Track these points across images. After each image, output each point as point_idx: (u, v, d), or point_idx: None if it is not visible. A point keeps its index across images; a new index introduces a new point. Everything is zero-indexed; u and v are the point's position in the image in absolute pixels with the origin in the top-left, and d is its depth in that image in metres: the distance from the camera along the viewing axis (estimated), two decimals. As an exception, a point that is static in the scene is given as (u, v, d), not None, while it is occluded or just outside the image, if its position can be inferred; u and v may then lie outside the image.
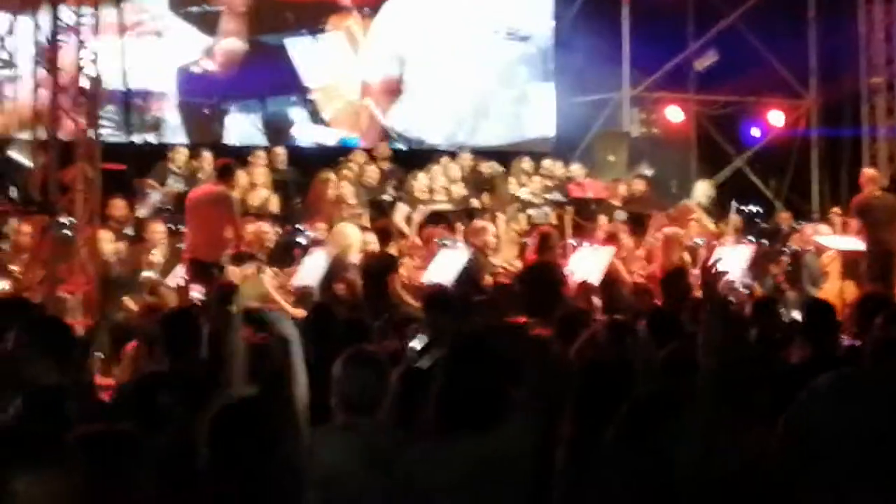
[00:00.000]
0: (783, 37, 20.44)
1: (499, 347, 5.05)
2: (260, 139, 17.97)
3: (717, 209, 17.70)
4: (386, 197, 16.50)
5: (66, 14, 11.04)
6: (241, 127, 18.14)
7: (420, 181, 16.73)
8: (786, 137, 21.26)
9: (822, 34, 21.06)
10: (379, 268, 13.00)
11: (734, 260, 13.93)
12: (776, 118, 21.24)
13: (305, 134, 18.66)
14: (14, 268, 11.55)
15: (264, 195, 15.58)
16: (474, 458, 4.57)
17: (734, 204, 16.95)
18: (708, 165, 20.64)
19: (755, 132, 21.42)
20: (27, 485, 3.02)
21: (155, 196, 14.54)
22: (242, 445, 4.27)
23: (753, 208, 19.81)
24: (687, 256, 14.57)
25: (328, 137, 18.76)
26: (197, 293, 12.34)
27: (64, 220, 11.04)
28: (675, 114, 20.72)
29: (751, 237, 16.51)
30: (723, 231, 16.51)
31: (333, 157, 17.32)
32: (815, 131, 21.44)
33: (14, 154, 11.42)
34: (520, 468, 4.72)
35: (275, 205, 15.60)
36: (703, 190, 18.20)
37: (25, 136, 11.64)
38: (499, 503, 4.65)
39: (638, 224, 16.43)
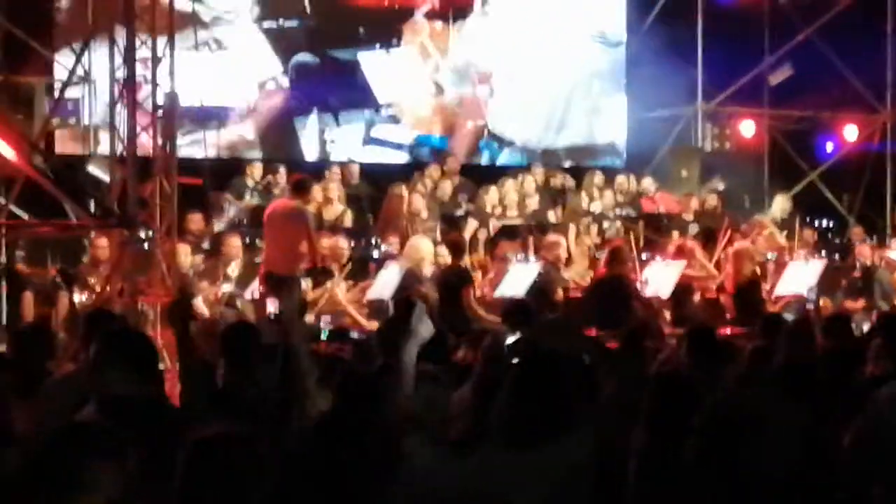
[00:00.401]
0: (859, 51, 20.30)
1: (569, 360, 5.08)
2: (336, 154, 18.27)
3: (792, 224, 17.70)
4: (458, 211, 16.71)
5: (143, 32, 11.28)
6: (315, 142, 18.45)
7: (491, 195, 16.93)
8: (860, 152, 21.20)
9: None
10: (453, 281, 13.12)
11: (805, 275, 14.16)
12: (851, 133, 21.20)
13: (377, 148, 18.99)
14: (92, 280, 11.81)
15: (339, 210, 15.84)
16: (541, 468, 4.55)
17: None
18: (781, 180, 20.46)
19: (829, 147, 21.41)
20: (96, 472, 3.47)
21: (232, 210, 14.82)
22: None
23: (826, 223, 20.00)
24: (758, 271, 14.49)
25: (404, 137, 19.10)
26: (271, 307, 12.58)
27: (142, 233, 11.25)
28: (748, 128, 20.77)
29: (822, 252, 16.46)
30: (794, 246, 16.45)
31: (406, 171, 17.61)
32: (891, 146, 21.29)
33: (93, 169, 11.66)
34: (585, 480, 4.70)
35: (349, 219, 15.86)
36: (780, 204, 18.16)
37: (104, 151, 11.87)
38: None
39: (710, 239, 16.41)
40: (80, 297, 11.78)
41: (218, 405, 5.62)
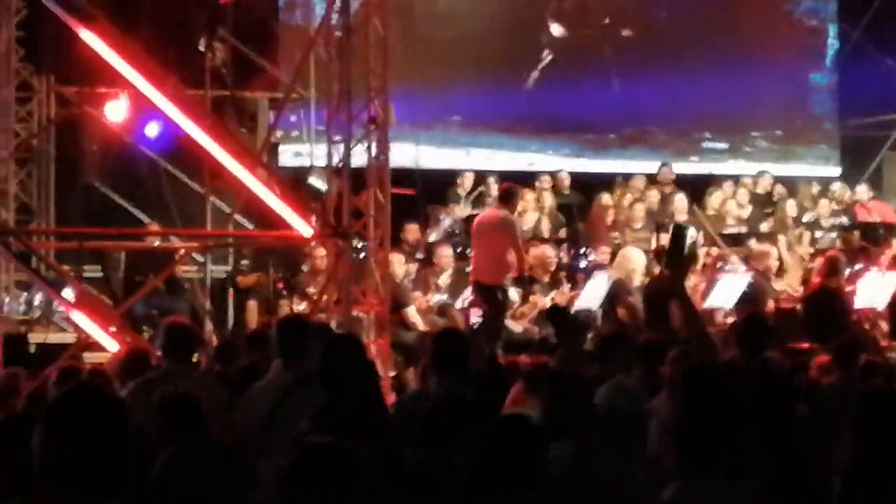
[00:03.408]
0: None
1: (737, 385, 4.93)
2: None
3: None
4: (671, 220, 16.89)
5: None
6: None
7: (706, 204, 17.19)
8: None
9: None
10: (661, 292, 13.39)
11: None
12: None
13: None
14: (311, 290, 12.48)
15: (548, 219, 16.35)
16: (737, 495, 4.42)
17: None
18: None
19: None
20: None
21: (447, 221, 15.42)
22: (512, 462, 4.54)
23: None
24: None
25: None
26: (475, 315, 13.08)
27: (357, 243, 11.86)
28: None
29: None
30: None
31: (613, 181, 17.94)
32: None
33: (313, 181, 12.31)
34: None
35: (558, 228, 16.34)
36: None
37: (321, 163, 12.52)
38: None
39: None
40: (299, 306, 12.50)
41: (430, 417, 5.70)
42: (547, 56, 19.68)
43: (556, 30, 19.76)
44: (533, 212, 16.39)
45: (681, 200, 16.96)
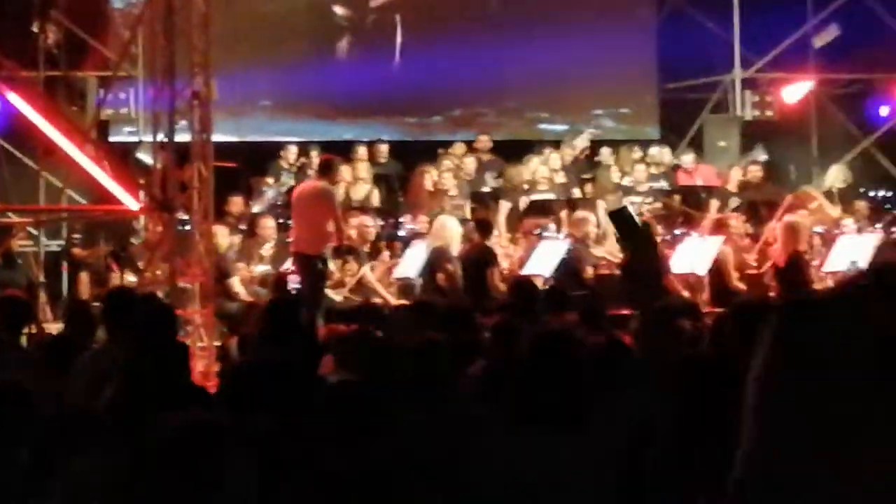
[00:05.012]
0: None
1: (579, 347, 5.56)
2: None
3: (847, 195, 19.59)
4: (486, 188, 19.33)
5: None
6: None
7: (520, 171, 19.38)
8: None
9: None
10: (478, 260, 15.54)
11: (858, 249, 15.68)
12: None
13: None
14: (141, 263, 14.85)
15: (367, 189, 18.70)
16: (550, 456, 5.05)
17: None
18: (830, 149, 22.29)
19: (884, 111, 22.93)
20: (81, 464, 4.38)
21: (270, 193, 17.91)
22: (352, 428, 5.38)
23: (882, 194, 21.56)
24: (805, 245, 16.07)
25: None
26: (293, 284, 15.37)
27: (182, 216, 14.18)
28: (792, 95, 22.35)
29: (878, 225, 18.23)
30: (844, 218, 18.24)
31: (433, 149, 20.26)
32: None
33: (142, 156, 14.65)
34: (603, 472, 5.19)
35: (377, 198, 18.70)
36: (836, 174, 20.10)
37: (149, 138, 14.89)
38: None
39: (754, 212, 18.43)
40: (130, 278, 14.88)
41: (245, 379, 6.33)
42: (345, 35, 22.08)
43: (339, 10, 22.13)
44: (360, 182, 18.73)
45: (496, 167, 19.55)
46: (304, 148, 19.45)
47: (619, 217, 14.57)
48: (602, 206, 18.55)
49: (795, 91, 22.57)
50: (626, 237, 14.42)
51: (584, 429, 5.11)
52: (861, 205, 19.11)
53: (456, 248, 15.93)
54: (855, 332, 0.98)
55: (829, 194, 19.61)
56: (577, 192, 19.75)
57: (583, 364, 5.35)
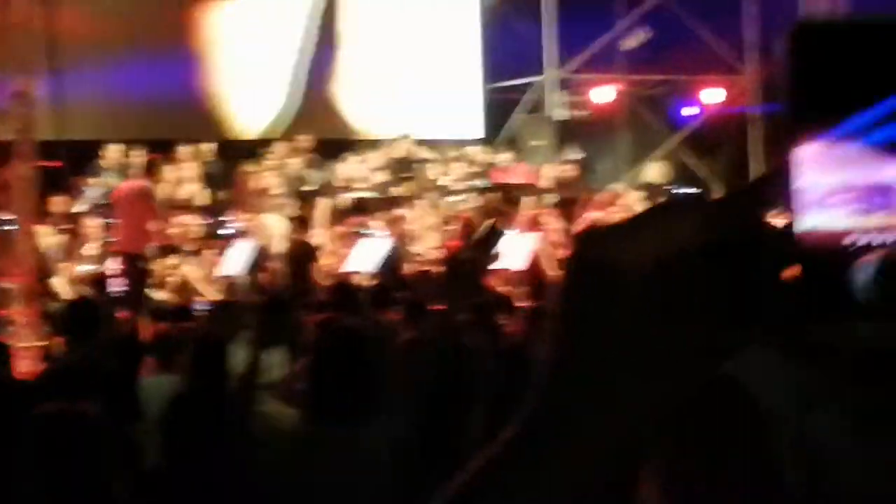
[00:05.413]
0: (716, 11, 22.57)
1: (368, 343, 5.55)
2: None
3: (659, 192, 19.85)
4: (308, 187, 19.42)
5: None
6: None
7: (340, 170, 19.69)
8: (722, 116, 23.59)
9: (760, 5, 23.17)
10: (300, 257, 15.75)
11: None
12: (711, 96, 23.63)
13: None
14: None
15: (192, 188, 18.67)
16: (337, 450, 5.09)
17: None
18: (639, 148, 23.15)
19: (689, 111, 23.88)
20: None
21: (92, 192, 17.80)
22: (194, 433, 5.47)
23: (688, 191, 22.09)
24: None
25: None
26: (117, 284, 15.40)
27: (5, 216, 14.12)
28: (603, 95, 23.12)
29: None
30: None
31: (257, 149, 20.36)
32: (755, 108, 23.64)
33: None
34: (385, 464, 5.24)
35: (202, 197, 18.68)
36: (653, 171, 20.81)
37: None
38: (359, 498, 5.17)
39: (567, 209, 18.78)
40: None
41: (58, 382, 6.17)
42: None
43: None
44: (184, 181, 18.64)
45: (317, 165, 19.74)
46: (127, 147, 19.28)
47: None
48: (421, 204, 18.91)
49: (606, 92, 23.19)
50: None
51: (370, 421, 5.16)
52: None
53: (279, 246, 16.15)
54: (646, 249, 1.10)
55: (642, 188, 20.23)
56: (396, 191, 19.98)
57: (368, 357, 5.32)
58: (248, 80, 21.83)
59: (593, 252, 1.13)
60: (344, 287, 11.34)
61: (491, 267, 16.18)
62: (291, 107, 22.50)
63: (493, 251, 15.46)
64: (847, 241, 1.09)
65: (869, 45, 1.11)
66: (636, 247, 1.11)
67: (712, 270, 1.10)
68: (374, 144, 21.15)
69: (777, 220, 1.11)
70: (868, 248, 1.09)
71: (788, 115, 1.10)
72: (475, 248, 16.12)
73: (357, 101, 22.82)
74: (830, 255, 1.09)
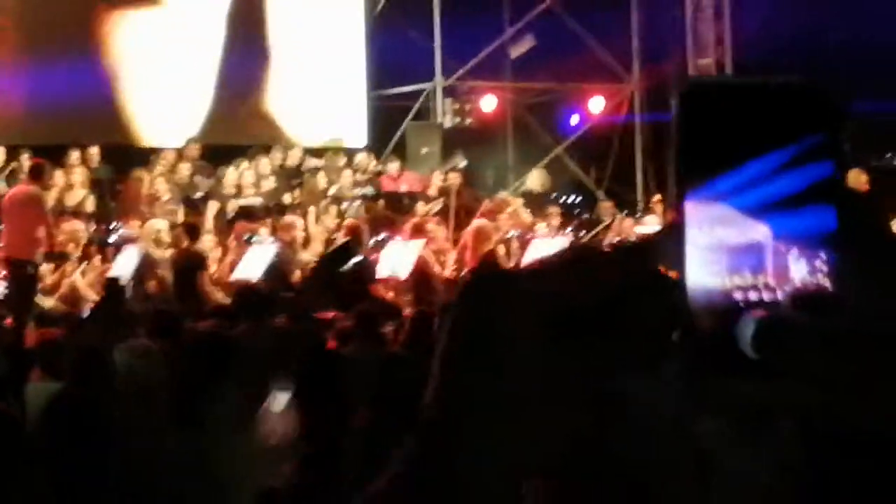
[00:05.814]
0: (603, 20, 22.74)
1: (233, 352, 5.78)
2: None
3: (541, 200, 20.42)
4: (197, 194, 19.41)
5: None
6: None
7: (229, 177, 19.63)
8: (607, 124, 23.70)
9: (646, 15, 23.43)
10: (187, 265, 15.59)
11: (551, 251, 16.62)
12: (596, 105, 23.77)
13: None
14: None
15: (81, 194, 18.55)
16: (185, 452, 5.32)
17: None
18: (525, 155, 23.25)
19: (574, 120, 23.97)
20: None
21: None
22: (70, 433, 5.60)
23: (573, 199, 22.41)
24: (502, 249, 17.02)
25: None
26: (2, 290, 15.24)
27: None
28: (489, 103, 23.24)
29: (570, 229, 18.99)
30: (538, 223, 18.94)
31: (146, 155, 20.22)
32: (639, 117, 23.88)
33: None
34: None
35: (91, 203, 18.54)
36: (536, 178, 21.04)
37: None
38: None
39: (453, 217, 18.93)
40: None
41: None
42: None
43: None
44: (73, 187, 18.54)
45: (206, 172, 19.68)
46: (14, 151, 19.18)
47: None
48: (312, 211, 18.89)
49: (492, 100, 23.28)
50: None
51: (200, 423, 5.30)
52: (553, 210, 19.74)
53: (166, 253, 16.05)
54: (536, 307, 1.09)
55: (528, 195, 20.44)
56: (286, 198, 19.99)
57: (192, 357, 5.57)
58: (151, 86, 21.61)
59: (481, 306, 1.14)
60: (245, 294, 11.33)
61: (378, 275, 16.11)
62: (191, 113, 22.22)
63: (347, 265, 15.29)
64: (736, 297, 1.14)
65: (749, 107, 1.16)
66: (525, 304, 1.12)
67: (604, 326, 1.12)
68: (263, 151, 21.01)
69: (670, 275, 1.15)
70: (758, 304, 1.14)
71: (677, 171, 1.15)
72: (329, 260, 15.99)
73: (245, 107, 22.63)
74: (720, 310, 1.13)
